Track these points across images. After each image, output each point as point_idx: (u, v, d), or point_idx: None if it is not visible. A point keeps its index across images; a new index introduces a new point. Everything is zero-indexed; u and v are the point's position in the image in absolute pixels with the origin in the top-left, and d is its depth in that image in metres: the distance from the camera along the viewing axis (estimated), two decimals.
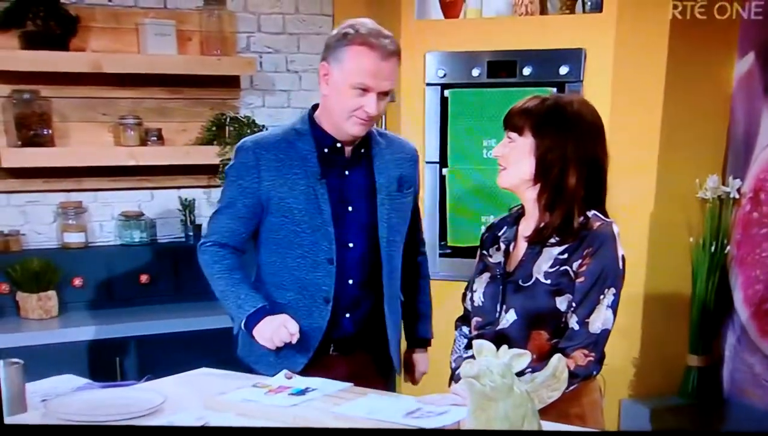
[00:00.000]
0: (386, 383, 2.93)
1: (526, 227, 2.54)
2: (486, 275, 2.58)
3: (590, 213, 2.47)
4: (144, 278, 4.39)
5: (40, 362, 3.62)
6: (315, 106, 2.84)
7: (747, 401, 4.13)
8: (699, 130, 4.27)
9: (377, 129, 2.90)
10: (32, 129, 4.21)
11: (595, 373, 2.45)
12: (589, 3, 4.24)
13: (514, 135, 2.48)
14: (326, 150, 2.78)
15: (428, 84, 4.42)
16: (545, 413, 2.31)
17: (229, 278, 2.77)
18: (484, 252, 2.64)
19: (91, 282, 4.33)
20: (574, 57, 4.20)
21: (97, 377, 3.56)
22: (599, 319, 2.39)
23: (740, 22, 4.14)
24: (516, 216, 2.61)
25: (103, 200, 4.52)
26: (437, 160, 4.41)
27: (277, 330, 2.65)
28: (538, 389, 1.88)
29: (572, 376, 2.35)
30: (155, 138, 4.46)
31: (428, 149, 4.42)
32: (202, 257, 2.83)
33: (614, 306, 2.41)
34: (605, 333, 2.41)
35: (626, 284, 4.12)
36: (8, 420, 2.31)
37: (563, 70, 4.21)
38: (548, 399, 1.90)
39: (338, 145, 2.78)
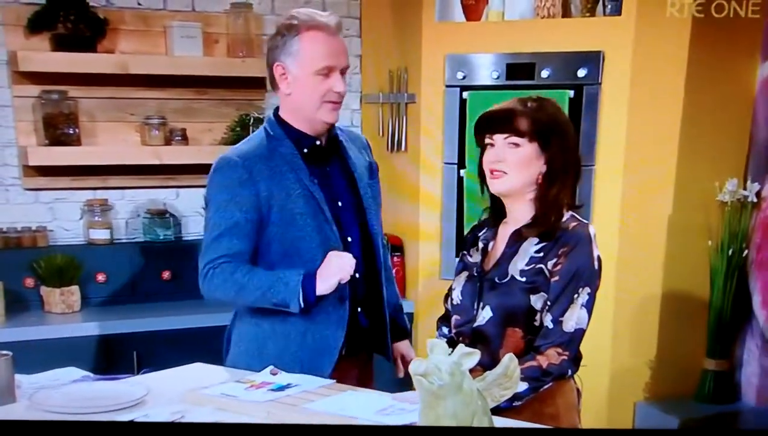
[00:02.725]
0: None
1: (508, 227, 2.58)
2: (464, 274, 2.63)
3: (568, 214, 2.51)
4: (166, 275, 4.47)
5: (60, 354, 3.78)
6: (276, 109, 2.85)
7: (764, 405, 4.10)
8: (720, 133, 4.27)
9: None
10: (59, 128, 4.32)
11: (570, 373, 2.48)
12: (609, 6, 4.24)
13: (519, 140, 2.49)
14: (306, 150, 2.78)
15: (448, 86, 4.45)
16: (519, 412, 2.38)
17: (256, 273, 2.70)
18: (464, 252, 2.69)
19: (114, 278, 4.42)
20: (593, 59, 4.21)
21: (114, 370, 3.66)
22: (573, 317, 2.43)
23: (765, 24, 4.12)
24: (495, 217, 2.64)
25: (129, 198, 4.61)
26: (455, 161, 4.44)
27: (341, 265, 2.63)
28: (490, 388, 1.91)
29: (545, 374, 2.40)
30: (179, 138, 4.54)
31: (447, 151, 4.47)
32: (214, 280, 2.71)
33: (589, 306, 2.45)
34: (579, 332, 2.44)
35: (643, 287, 4.21)
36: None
37: (581, 72, 4.22)
38: (501, 398, 1.93)
39: (317, 142, 2.80)
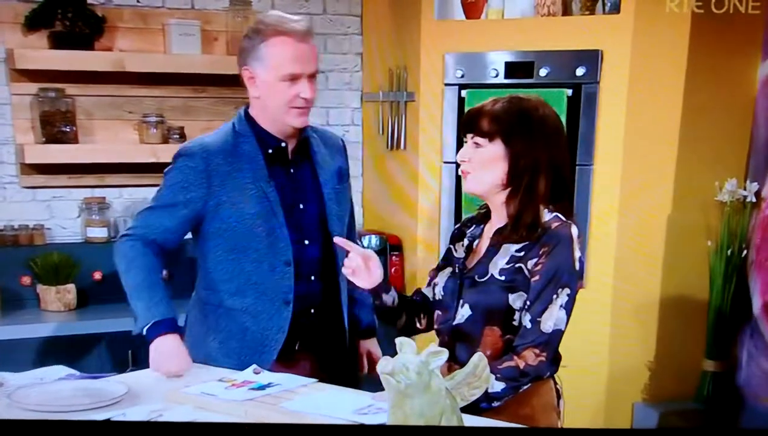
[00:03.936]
0: (351, 377, 2.96)
1: (492, 226, 2.57)
2: (448, 270, 2.62)
3: (551, 214, 2.48)
4: (163, 274, 4.44)
5: (55, 353, 3.78)
6: (247, 106, 2.85)
7: (763, 406, 4.06)
8: (719, 133, 4.24)
9: (309, 125, 2.89)
10: (56, 126, 4.32)
11: (548, 374, 2.46)
12: (608, 4, 4.22)
13: (482, 140, 2.47)
14: (270, 151, 2.79)
15: (447, 84, 4.44)
16: (497, 413, 2.35)
17: (147, 277, 2.74)
18: (451, 247, 2.67)
19: (111, 276, 4.38)
20: (591, 58, 4.19)
21: (109, 369, 3.66)
22: (551, 318, 2.40)
23: (765, 21, 4.08)
24: (484, 214, 2.62)
25: (127, 196, 4.60)
26: (454, 160, 4.41)
27: (169, 362, 2.63)
28: (459, 387, 1.89)
29: (522, 375, 2.38)
30: (177, 136, 4.53)
31: (446, 149, 4.46)
32: (121, 246, 2.77)
33: (568, 307, 2.42)
34: (558, 333, 2.41)
35: (642, 287, 4.18)
36: None
37: (580, 71, 4.21)
38: (470, 397, 1.91)
39: (282, 145, 2.80)
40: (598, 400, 4.24)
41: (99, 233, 4.47)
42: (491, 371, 2.33)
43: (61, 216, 4.53)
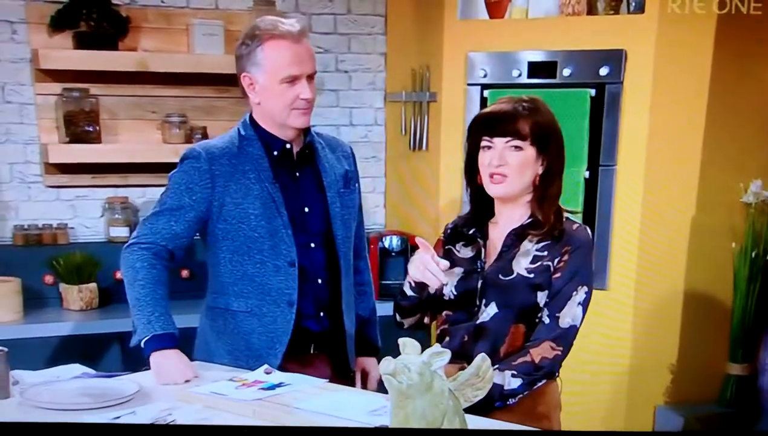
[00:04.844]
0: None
1: (499, 227, 2.59)
2: (458, 270, 2.61)
3: (564, 213, 2.55)
4: (185, 273, 4.46)
5: (77, 351, 3.81)
6: (251, 111, 2.86)
7: None
8: (744, 133, 4.20)
9: (314, 130, 2.92)
10: (80, 126, 4.35)
11: (557, 372, 2.50)
12: (633, 3, 4.18)
13: (522, 143, 2.48)
14: (276, 153, 2.80)
15: (469, 84, 4.41)
16: (512, 411, 2.35)
17: (152, 291, 2.73)
18: (451, 247, 2.67)
19: None
20: (615, 58, 4.16)
21: (130, 368, 3.67)
22: (569, 314, 2.46)
23: None
24: (479, 214, 2.62)
25: (150, 196, 4.62)
26: None
27: (168, 376, 2.62)
28: (462, 388, 1.88)
29: (537, 369, 2.43)
30: (200, 136, 4.54)
31: None
32: (129, 256, 2.76)
33: (585, 304, 2.48)
34: (573, 330, 2.46)
35: (665, 289, 4.14)
36: None
37: (603, 71, 4.17)
38: (473, 398, 1.90)
39: (287, 146, 2.80)
40: (620, 402, 4.21)
41: (121, 232, 4.48)
42: (507, 369, 2.36)
43: (85, 215, 4.55)
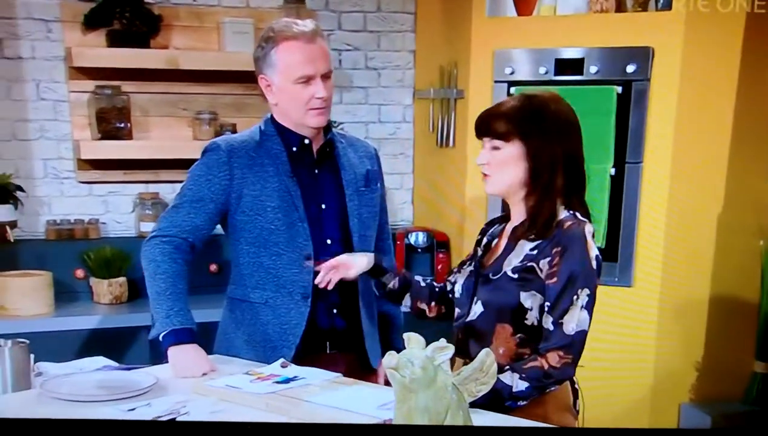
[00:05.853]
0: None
1: (511, 225, 2.59)
2: (468, 269, 2.64)
3: (567, 212, 2.49)
4: (213, 268, 4.52)
5: (106, 344, 3.87)
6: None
7: None
8: None
9: (337, 131, 2.96)
10: (112, 123, 4.42)
11: (571, 375, 2.46)
12: (660, 0, 4.17)
13: (499, 142, 2.48)
14: (295, 148, 2.84)
15: (496, 81, 4.43)
16: (527, 414, 2.35)
17: (173, 285, 2.75)
18: (477, 247, 2.68)
19: None
20: (642, 55, 4.15)
21: (159, 361, 3.73)
22: (574, 320, 2.38)
23: None
24: (507, 214, 2.63)
25: None
26: None
27: (185, 370, 2.65)
28: (466, 383, 1.89)
29: (546, 376, 2.38)
30: (230, 132, 4.59)
31: None
32: (150, 249, 2.81)
33: (589, 307, 2.41)
34: (581, 334, 2.40)
35: (691, 286, 4.13)
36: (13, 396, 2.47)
37: (630, 68, 4.17)
38: (477, 393, 1.91)
39: (306, 141, 2.83)
40: (645, 399, 4.20)
41: (152, 227, 4.52)
42: (516, 371, 2.36)
43: (116, 211, 4.64)
